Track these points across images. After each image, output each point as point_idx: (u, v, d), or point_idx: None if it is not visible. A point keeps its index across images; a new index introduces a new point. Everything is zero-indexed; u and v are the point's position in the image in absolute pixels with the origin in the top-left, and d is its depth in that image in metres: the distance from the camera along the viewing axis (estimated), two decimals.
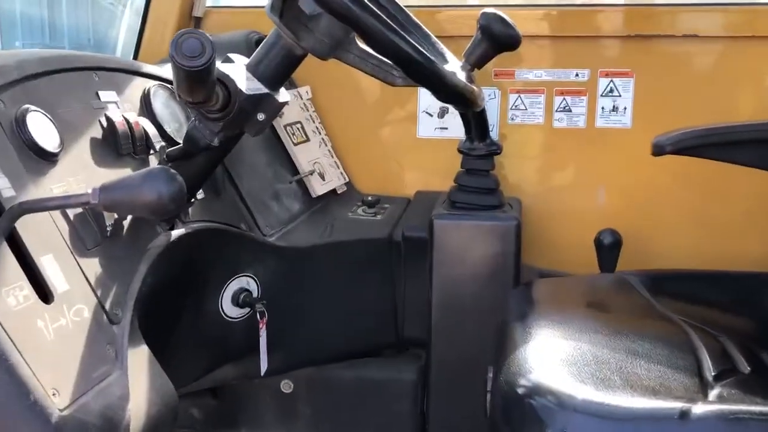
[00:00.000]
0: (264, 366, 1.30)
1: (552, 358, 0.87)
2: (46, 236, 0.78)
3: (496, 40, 1.08)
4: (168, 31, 1.61)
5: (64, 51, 1.04)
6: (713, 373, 0.86)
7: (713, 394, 0.80)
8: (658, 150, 1.26)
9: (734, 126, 1.24)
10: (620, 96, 1.55)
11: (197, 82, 0.78)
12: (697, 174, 1.52)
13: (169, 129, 1.13)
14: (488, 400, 1.00)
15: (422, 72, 0.90)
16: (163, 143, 1.05)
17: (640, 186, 1.57)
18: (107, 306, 0.83)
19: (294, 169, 1.49)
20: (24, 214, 0.73)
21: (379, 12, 0.79)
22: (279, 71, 0.97)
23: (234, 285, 1.27)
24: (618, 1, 1.65)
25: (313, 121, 1.60)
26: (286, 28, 0.91)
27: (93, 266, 0.84)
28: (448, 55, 1.11)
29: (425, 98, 1.63)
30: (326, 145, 1.61)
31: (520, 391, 0.82)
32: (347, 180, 1.64)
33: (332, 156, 1.61)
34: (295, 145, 1.49)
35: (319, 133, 1.60)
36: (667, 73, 1.53)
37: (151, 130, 1.06)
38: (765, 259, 1.46)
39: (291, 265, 1.37)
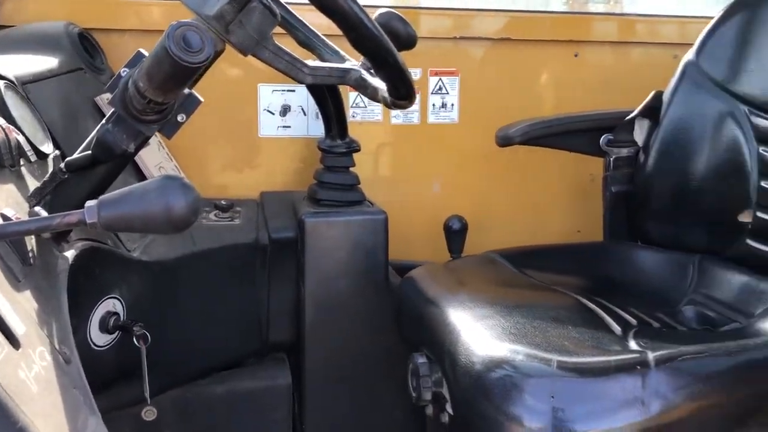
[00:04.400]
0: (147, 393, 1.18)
1: (502, 333, 0.94)
2: None
3: (398, 39, 1.10)
4: None
5: None
6: (619, 328, 1.01)
7: (633, 345, 0.94)
8: (506, 141, 1.40)
9: (571, 116, 1.44)
10: (448, 93, 1.68)
11: (183, 81, 0.69)
12: (518, 162, 1.72)
13: (29, 134, 0.97)
14: (421, 384, 1.03)
15: (396, 67, 0.91)
16: (57, 151, 0.90)
17: (470, 176, 1.73)
18: (56, 345, 0.70)
19: (141, 176, 1.36)
20: None
21: None
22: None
23: (101, 309, 1.14)
24: (445, 4, 1.78)
25: None
26: (217, 22, 0.85)
27: (29, 301, 0.70)
28: (342, 53, 1.12)
29: (266, 96, 1.59)
30: (164, 147, 1.49)
31: (491, 366, 0.87)
32: None
33: (171, 159, 1.49)
34: None
35: (156, 135, 1.47)
36: (486, 72, 1.70)
37: (20, 137, 0.91)
38: (587, 231, 1.71)
39: (157, 280, 1.26)
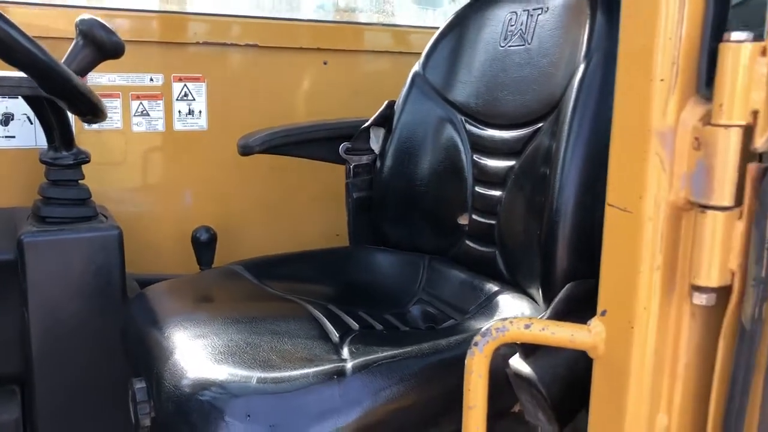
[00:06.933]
0: None
1: (211, 353, 0.92)
2: None
3: (101, 47, 1.04)
4: None
5: None
6: (338, 336, 1.03)
7: (345, 352, 0.96)
8: (247, 150, 1.39)
9: (310, 125, 1.44)
10: (195, 100, 1.63)
11: None
12: (274, 167, 1.71)
13: None
14: (138, 411, 0.98)
15: (60, 83, 0.83)
16: None
17: (223, 184, 1.69)
18: None
19: None
20: None
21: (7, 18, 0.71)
22: None
23: None
24: (187, 9, 1.71)
25: None
26: None
27: None
28: None
29: None
30: None
31: (193, 390, 0.84)
32: None
33: None
34: None
35: None
36: (235, 78, 1.67)
37: None
38: (335, 236, 1.74)
39: None
